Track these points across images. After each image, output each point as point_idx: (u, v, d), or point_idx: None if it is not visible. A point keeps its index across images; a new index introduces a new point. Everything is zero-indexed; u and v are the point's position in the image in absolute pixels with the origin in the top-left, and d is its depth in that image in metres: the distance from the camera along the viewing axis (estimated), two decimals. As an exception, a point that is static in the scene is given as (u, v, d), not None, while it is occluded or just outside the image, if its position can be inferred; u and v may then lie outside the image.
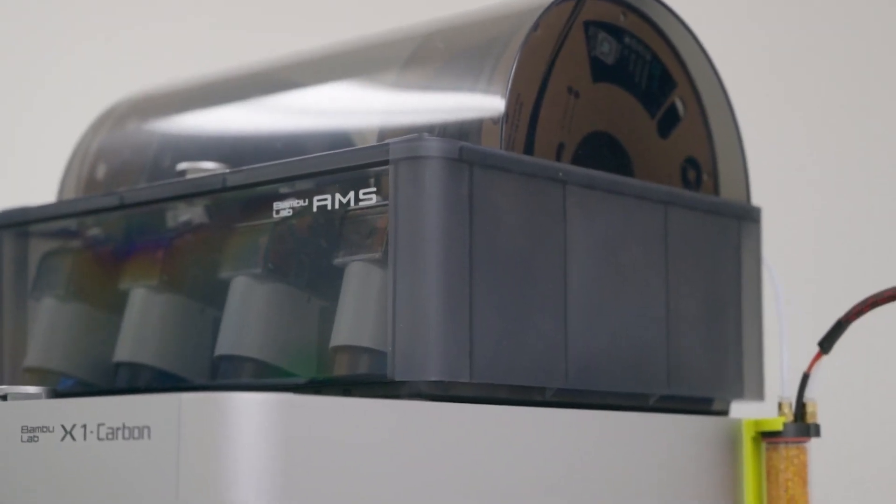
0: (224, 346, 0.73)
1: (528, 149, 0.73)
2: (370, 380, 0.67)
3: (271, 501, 0.59)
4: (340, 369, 0.69)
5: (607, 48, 0.78)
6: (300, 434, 0.60)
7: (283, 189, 0.72)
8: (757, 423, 0.78)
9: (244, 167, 0.74)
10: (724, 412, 0.81)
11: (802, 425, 0.77)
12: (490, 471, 0.67)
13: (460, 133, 0.72)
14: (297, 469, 0.60)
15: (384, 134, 0.76)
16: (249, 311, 0.73)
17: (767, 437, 0.78)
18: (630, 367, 0.75)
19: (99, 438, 0.61)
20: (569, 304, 0.72)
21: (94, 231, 0.81)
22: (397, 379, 0.66)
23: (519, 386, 0.70)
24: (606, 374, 0.73)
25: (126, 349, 0.77)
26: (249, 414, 0.59)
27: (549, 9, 0.73)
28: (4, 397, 0.68)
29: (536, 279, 0.70)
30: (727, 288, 0.80)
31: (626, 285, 0.75)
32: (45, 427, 0.63)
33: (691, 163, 0.82)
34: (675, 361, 0.77)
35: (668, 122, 0.81)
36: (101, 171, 0.91)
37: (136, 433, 0.60)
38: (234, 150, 0.84)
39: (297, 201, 0.71)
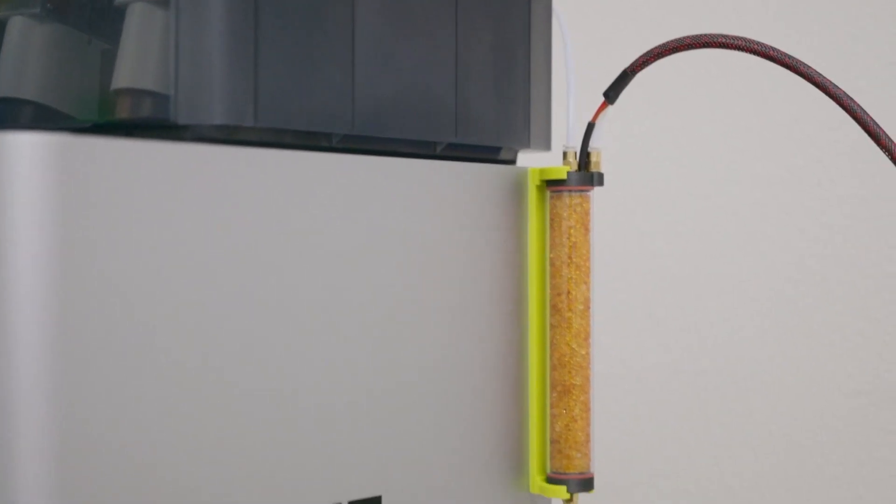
0: (2, 89, 0.71)
1: None
2: (153, 123, 0.66)
3: (51, 249, 0.59)
4: (122, 112, 0.67)
5: None
6: (79, 177, 0.59)
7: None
8: (542, 171, 0.80)
9: None
10: (512, 161, 0.82)
11: (586, 174, 0.79)
12: (275, 216, 0.67)
13: None
14: (76, 216, 0.59)
15: None
16: (28, 52, 0.71)
17: (552, 185, 0.79)
18: (418, 115, 0.75)
19: None
20: (356, 49, 0.71)
21: None
22: (181, 122, 0.65)
23: (305, 132, 0.70)
24: (394, 121, 0.74)
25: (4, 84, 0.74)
26: (24, 156, 0.58)
27: None
28: None
29: (324, 23, 0.69)
30: (516, 37, 0.80)
31: (415, 32, 0.74)
32: None
33: None
34: (462, 109, 0.77)
35: None
36: None
37: None
38: None
39: (74, -62, 0.68)
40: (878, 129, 0.75)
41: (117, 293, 0.61)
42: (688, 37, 0.77)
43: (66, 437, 0.60)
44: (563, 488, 0.79)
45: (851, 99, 0.74)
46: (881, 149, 0.75)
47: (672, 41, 0.77)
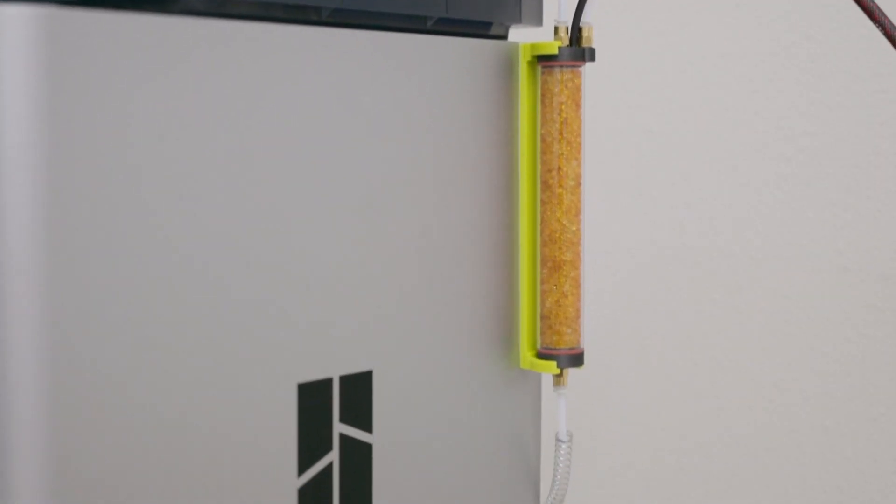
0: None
1: None
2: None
3: (38, 119, 0.58)
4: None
5: None
6: (66, 49, 0.59)
7: None
8: (533, 46, 0.79)
9: None
10: (503, 37, 0.81)
11: (577, 49, 0.78)
12: (264, 90, 0.67)
13: None
14: (63, 88, 0.59)
15: None
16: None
17: (543, 60, 0.79)
18: (408, -11, 0.74)
19: None
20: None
21: None
22: (169, -5, 0.65)
23: (294, 5, 0.69)
24: (384, -5, 0.73)
25: None
26: (10, 28, 0.57)
27: None
28: None
29: None
30: None
31: None
32: None
33: None
34: (453, -17, 0.76)
35: None
36: None
37: None
38: None
39: None
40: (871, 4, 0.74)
41: (105, 164, 0.61)
42: None
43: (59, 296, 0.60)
44: (553, 364, 0.79)
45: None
46: (874, 23, 0.74)
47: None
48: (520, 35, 0.84)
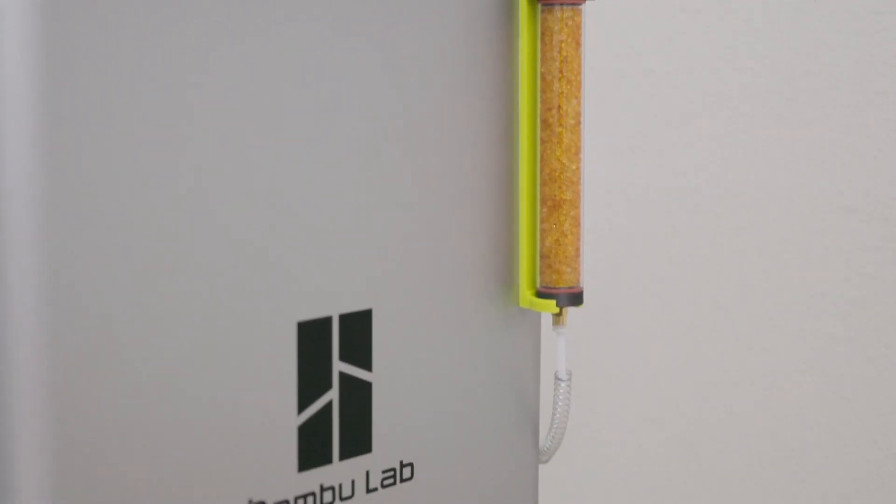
0: None
1: None
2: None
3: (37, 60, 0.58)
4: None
5: None
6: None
7: None
8: (533, -16, 0.79)
9: None
10: (503, -26, 0.81)
11: (578, -13, 0.78)
12: (265, 29, 0.67)
13: None
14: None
15: None
16: None
17: (543, -2, 0.78)
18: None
19: None
20: None
21: None
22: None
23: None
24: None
25: None
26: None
27: None
28: None
29: None
30: None
31: None
32: None
33: None
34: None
35: None
36: None
37: None
38: None
39: None
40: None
41: (100, 89, 0.61)
42: None
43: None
44: (553, 302, 0.79)
45: None
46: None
47: None
48: (520, -27, 0.84)
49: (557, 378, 0.82)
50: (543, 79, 0.79)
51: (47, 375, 0.60)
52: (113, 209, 0.62)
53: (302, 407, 0.70)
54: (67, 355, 0.61)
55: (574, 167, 0.79)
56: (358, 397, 0.73)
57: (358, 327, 0.72)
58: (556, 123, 0.79)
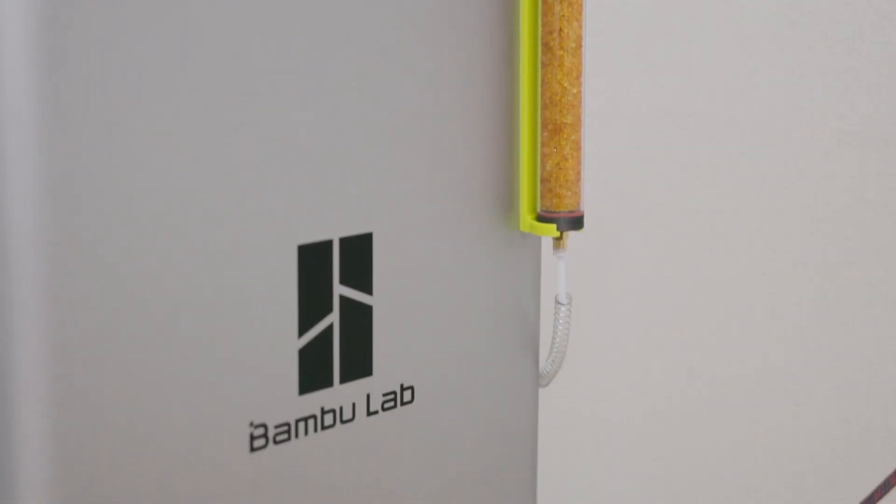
0: None
1: None
2: None
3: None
4: None
5: None
6: None
7: None
8: None
9: None
10: None
11: None
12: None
13: None
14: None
15: None
16: None
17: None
18: None
19: None
20: None
21: None
22: None
23: None
24: None
25: None
26: None
27: None
28: None
29: None
30: None
31: None
32: None
33: None
34: None
35: None
36: None
37: None
38: None
39: None
40: None
41: (98, 42, 0.61)
42: None
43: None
44: (553, 226, 0.79)
45: None
46: None
47: None
48: None
49: (558, 302, 0.82)
50: (544, 1, 0.78)
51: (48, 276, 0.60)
52: (115, 133, 0.62)
53: (303, 330, 0.71)
54: (68, 277, 0.61)
55: (575, 91, 0.78)
56: (358, 321, 0.73)
57: (358, 251, 0.73)
58: (558, 46, 0.78)
